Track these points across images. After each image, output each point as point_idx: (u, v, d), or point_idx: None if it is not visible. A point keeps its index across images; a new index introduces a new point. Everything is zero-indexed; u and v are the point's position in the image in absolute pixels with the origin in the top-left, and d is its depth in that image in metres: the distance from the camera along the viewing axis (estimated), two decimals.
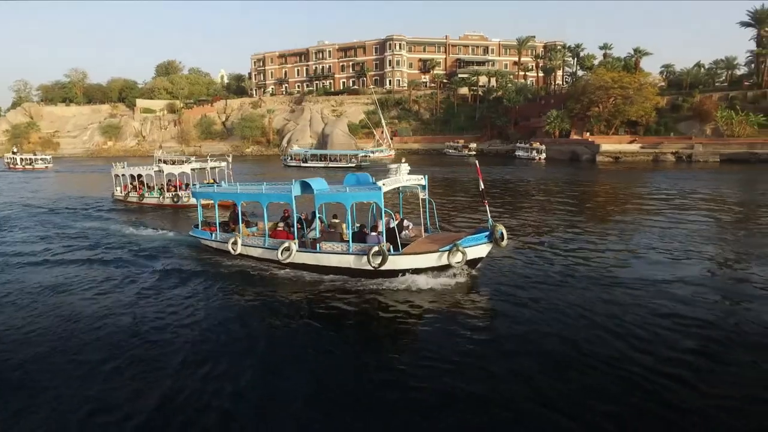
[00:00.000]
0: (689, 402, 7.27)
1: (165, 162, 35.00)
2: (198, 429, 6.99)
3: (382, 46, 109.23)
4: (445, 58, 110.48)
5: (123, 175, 31.26)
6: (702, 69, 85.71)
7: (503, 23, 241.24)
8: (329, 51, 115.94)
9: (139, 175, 30.91)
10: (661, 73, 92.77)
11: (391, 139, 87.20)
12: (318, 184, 14.62)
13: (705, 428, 6.73)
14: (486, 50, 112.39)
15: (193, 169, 29.90)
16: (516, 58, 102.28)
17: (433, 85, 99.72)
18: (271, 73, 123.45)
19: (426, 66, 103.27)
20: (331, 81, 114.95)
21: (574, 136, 68.93)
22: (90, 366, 8.76)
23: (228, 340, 9.80)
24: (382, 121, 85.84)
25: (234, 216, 16.71)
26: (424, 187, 14.75)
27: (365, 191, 13.43)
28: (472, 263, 12.77)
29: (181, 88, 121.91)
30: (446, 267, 12.61)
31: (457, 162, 69.36)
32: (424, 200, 14.76)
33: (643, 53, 75.48)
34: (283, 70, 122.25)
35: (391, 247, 12.88)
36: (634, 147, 64.54)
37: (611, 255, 15.67)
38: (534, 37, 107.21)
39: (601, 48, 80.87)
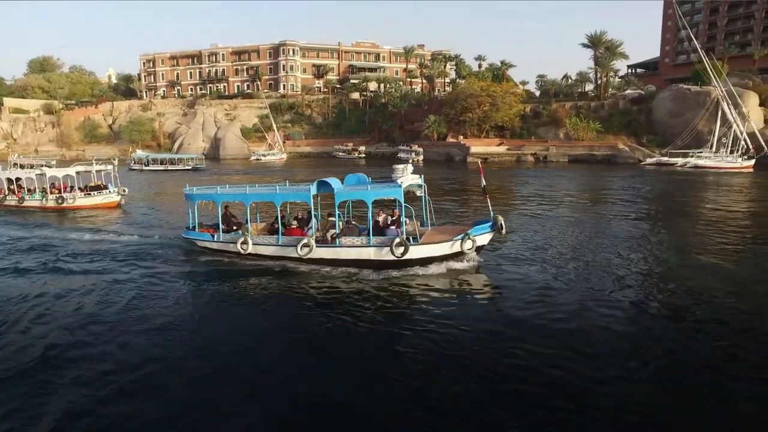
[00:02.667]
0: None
1: (22, 166, 34.26)
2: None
3: (276, 50, 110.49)
4: (338, 64, 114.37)
5: None
6: (569, 80, 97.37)
7: (403, 31, 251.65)
8: (223, 54, 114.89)
9: (18, 178, 30.37)
10: (537, 82, 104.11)
11: (284, 142, 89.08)
12: (337, 183, 15.16)
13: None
14: (377, 57, 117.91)
15: (77, 172, 29.87)
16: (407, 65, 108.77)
17: (325, 90, 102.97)
18: (162, 74, 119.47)
19: (319, 71, 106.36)
20: (225, 84, 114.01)
21: (451, 139, 75.60)
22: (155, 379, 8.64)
23: (268, 334, 10.53)
24: (274, 125, 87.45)
25: (225, 218, 16.82)
26: (420, 185, 15.72)
27: (387, 188, 14.50)
28: (477, 250, 14.52)
29: (60, 88, 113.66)
30: (458, 254, 14.28)
31: (346, 163, 73.06)
32: (421, 197, 15.72)
33: (508, 65, 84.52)
34: (175, 72, 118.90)
35: (411, 238, 14.11)
36: (501, 149, 72.43)
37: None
38: (423, 45, 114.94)
39: (476, 59, 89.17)
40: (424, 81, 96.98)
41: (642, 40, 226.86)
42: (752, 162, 54.69)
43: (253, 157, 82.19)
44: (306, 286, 13.32)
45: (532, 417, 7.40)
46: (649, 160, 62.51)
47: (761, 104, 65.07)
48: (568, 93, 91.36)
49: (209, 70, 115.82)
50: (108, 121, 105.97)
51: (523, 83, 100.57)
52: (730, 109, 57.65)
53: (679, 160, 58.32)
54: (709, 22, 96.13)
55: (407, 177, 14.96)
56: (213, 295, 13.06)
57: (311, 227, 15.31)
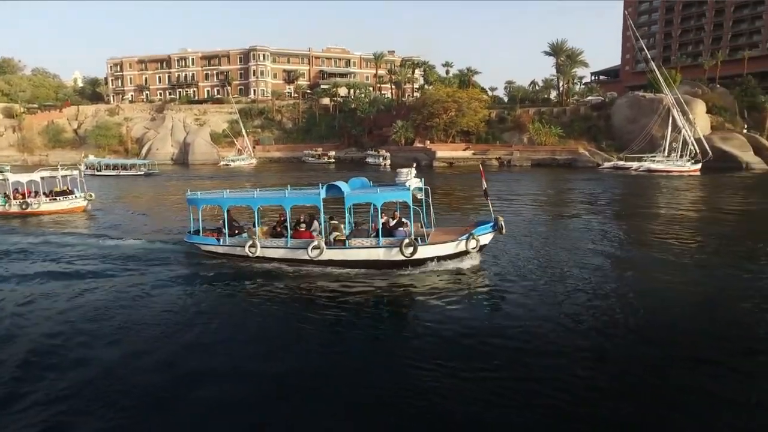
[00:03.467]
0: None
1: None
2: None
3: (247, 55, 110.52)
4: (309, 70, 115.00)
5: None
6: (536, 86, 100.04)
7: (379, 37, 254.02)
8: (192, 59, 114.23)
9: None
10: (505, 88, 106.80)
11: (254, 148, 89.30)
12: (346, 187, 15.78)
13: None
14: (348, 63, 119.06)
15: (42, 178, 29.81)
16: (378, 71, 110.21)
17: (296, 95, 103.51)
18: (131, 79, 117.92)
19: (290, 77, 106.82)
20: (195, 89, 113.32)
21: (418, 144, 77.26)
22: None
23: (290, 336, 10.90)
24: (243, 130, 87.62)
25: (228, 222, 16.76)
26: (422, 188, 16.11)
27: (395, 191, 15.15)
28: (480, 248, 15.33)
29: (21, 91, 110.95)
30: (464, 253, 15.06)
31: (316, 168, 73.88)
32: (421, 200, 16.09)
33: (474, 72, 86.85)
34: (144, 77, 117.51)
35: (419, 238, 14.78)
36: (467, 153, 74.40)
37: None
38: (394, 51, 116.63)
39: (443, 65, 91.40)
40: (394, 87, 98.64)
41: (609, 47, 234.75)
42: (699, 166, 57.84)
43: (222, 162, 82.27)
44: (318, 287, 13.83)
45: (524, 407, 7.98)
46: (606, 164, 65.32)
47: (708, 111, 68.83)
48: (534, 99, 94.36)
49: (178, 75, 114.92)
50: (73, 126, 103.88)
51: (492, 89, 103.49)
52: (679, 115, 60.81)
53: (634, 164, 61.15)
54: (664, 33, 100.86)
55: (412, 181, 15.58)
56: (224, 298, 13.36)
57: (315, 229, 15.76)
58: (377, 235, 15.00)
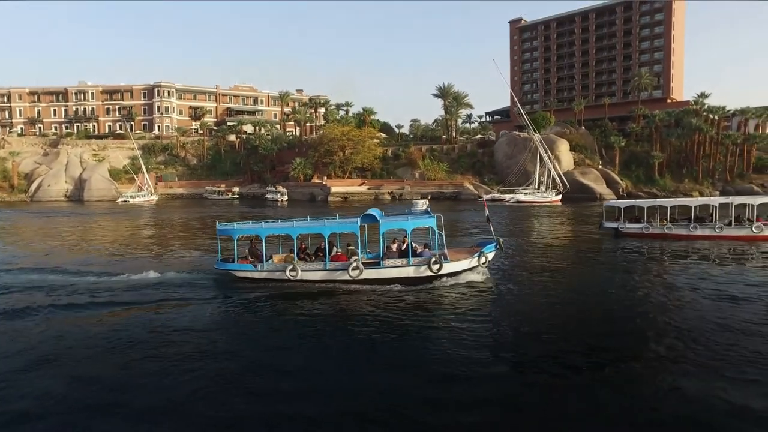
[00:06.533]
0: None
1: None
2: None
3: (151, 91, 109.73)
4: (216, 107, 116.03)
5: None
6: (438, 124, 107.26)
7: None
8: (92, 92, 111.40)
9: None
10: (411, 125, 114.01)
11: (155, 184, 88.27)
12: (380, 215, 18.35)
13: None
14: (256, 101, 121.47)
15: None
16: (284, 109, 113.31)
17: (202, 132, 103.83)
18: (20, 111, 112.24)
19: (196, 113, 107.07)
20: (95, 124, 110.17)
21: (316, 180, 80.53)
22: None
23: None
24: (143, 166, 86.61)
25: (253, 250, 18.54)
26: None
27: (423, 219, 18.11)
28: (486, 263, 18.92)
29: None
30: (475, 267, 18.35)
31: (219, 204, 74.42)
32: (428, 227, 18.73)
33: (369, 112, 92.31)
34: (36, 109, 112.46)
35: (441, 257, 17.65)
36: (363, 188, 78.59)
37: None
38: (302, 90, 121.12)
39: (342, 106, 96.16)
40: (296, 125, 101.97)
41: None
42: (560, 197, 65.74)
43: (120, 199, 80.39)
44: (360, 301, 16.15)
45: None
46: (485, 196, 71.83)
47: (572, 149, 78.34)
48: (432, 136, 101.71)
49: (77, 109, 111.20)
50: None
51: (399, 126, 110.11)
52: (545, 153, 68.94)
53: (507, 196, 68.07)
54: (544, 80, 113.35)
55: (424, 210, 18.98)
56: (271, 317, 14.97)
57: (334, 253, 18.22)
58: (402, 256, 18.03)
